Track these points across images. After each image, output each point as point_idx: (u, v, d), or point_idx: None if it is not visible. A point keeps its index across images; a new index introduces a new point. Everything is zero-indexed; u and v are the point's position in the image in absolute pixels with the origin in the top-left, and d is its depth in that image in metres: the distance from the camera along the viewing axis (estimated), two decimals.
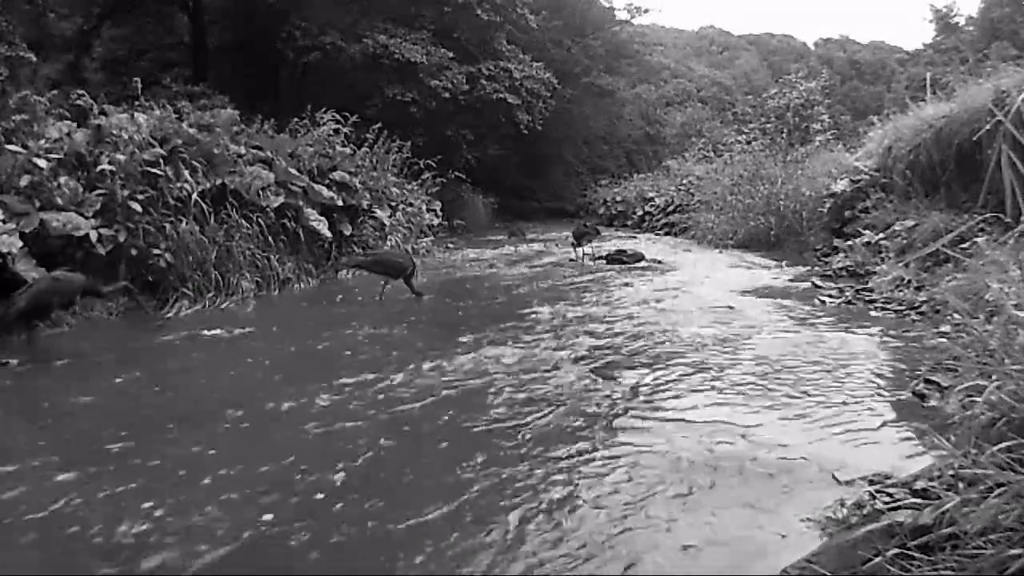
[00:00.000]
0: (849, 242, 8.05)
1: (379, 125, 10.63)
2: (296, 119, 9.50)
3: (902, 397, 3.34)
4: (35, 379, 4.08)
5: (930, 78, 9.65)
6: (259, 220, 7.13)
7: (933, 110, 7.59)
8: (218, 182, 7.02)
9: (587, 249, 10.15)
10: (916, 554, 1.82)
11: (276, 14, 18.05)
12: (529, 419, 3.20)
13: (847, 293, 6.18)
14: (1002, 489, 1.80)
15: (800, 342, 4.50)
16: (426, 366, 4.11)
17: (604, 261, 9.81)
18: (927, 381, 3.37)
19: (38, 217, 5.21)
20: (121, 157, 6.04)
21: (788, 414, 3.20)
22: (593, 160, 31.90)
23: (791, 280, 7.46)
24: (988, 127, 5.88)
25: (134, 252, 5.85)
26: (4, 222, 4.95)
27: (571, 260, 10.08)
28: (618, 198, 21.43)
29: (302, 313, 6.38)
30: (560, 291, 7.18)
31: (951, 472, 2.15)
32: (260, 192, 7.29)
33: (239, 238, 6.83)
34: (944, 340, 3.94)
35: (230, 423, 3.23)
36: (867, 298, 5.92)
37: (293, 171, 7.89)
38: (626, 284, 7.54)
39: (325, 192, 8.15)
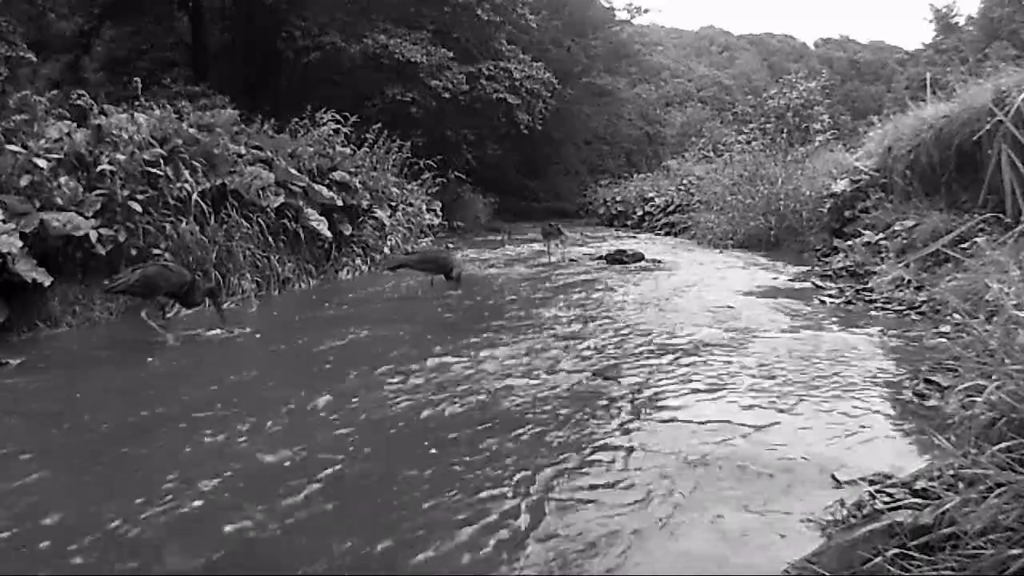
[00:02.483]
0: (849, 242, 8.05)
1: (379, 125, 10.63)
2: (296, 119, 9.50)
3: (902, 397, 3.34)
4: (35, 379, 4.08)
5: (930, 78, 9.65)
6: (259, 220, 7.13)
7: (933, 110, 7.59)
8: (218, 182, 7.02)
9: (566, 249, 10.39)
10: (916, 554, 1.82)
11: (276, 14, 18.06)
12: (529, 419, 3.20)
13: (847, 293, 6.17)
14: (1002, 489, 1.79)
15: (800, 342, 4.50)
16: (426, 366, 4.11)
17: (604, 261, 9.82)
18: (927, 381, 3.37)
19: (38, 217, 5.21)
20: (121, 157, 6.03)
21: (788, 414, 3.20)
22: (593, 160, 31.96)
23: (791, 280, 7.45)
24: (988, 127, 5.87)
25: (134, 252, 5.85)
26: (4, 222, 4.95)
27: (570, 260, 10.09)
28: (618, 198, 21.44)
29: (303, 313, 6.38)
30: (559, 291, 7.18)
31: (951, 472, 2.15)
32: (260, 192, 7.29)
33: (239, 238, 6.83)
34: (944, 340, 3.95)
35: (230, 423, 3.23)
36: (867, 298, 5.92)
37: (293, 171, 7.89)
38: (626, 284, 7.54)
39: (325, 192, 8.15)
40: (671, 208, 16.42)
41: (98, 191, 5.73)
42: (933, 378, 3.36)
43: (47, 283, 4.99)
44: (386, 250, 9.29)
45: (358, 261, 8.76)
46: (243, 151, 7.68)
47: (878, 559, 1.85)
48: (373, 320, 5.65)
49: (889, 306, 5.53)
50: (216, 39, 20.18)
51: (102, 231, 5.57)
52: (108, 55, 19.71)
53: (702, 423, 3.10)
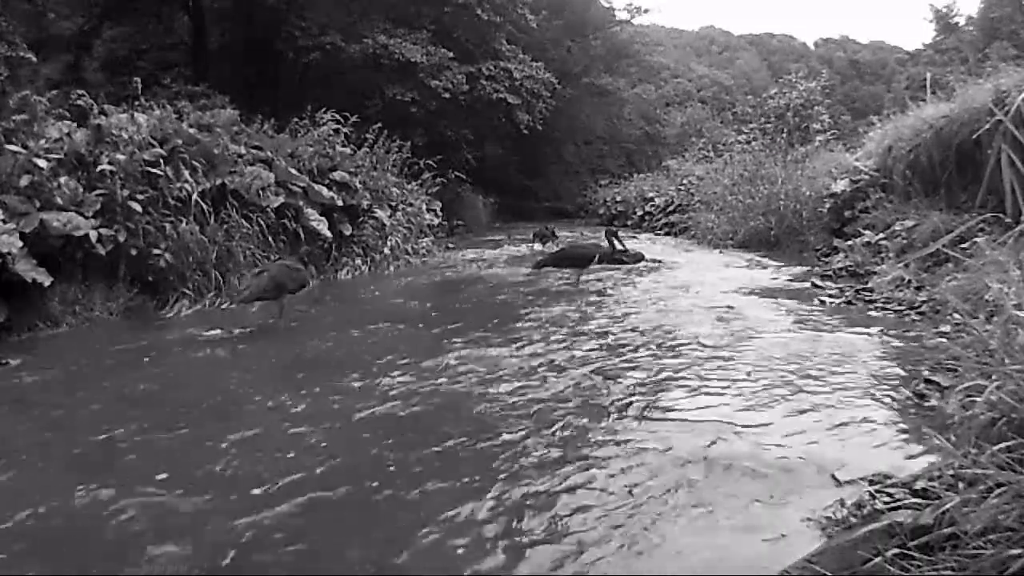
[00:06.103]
0: (849, 242, 8.04)
1: (379, 125, 10.63)
2: (296, 119, 9.51)
3: (902, 397, 3.34)
4: (35, 379, 4.07)
5: (930, 78, 9.64)
6: (259, 220, 7.13)
7: (933, 110, 7.58)
8: (218, 182, 7.02)
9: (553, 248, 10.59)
10: (916, 554, 1.82)
11: (276, 14, 18.07)
12: (529, 419, 3.20)
13: (847, 293, 6.17)
14: (1002, 489, 1.79)
15: (800, 342, 4.50)
16: (427, 366, 4.11)
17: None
18: (927, 381, 3.36)
19: (38, 217, 5.21)
20: (121, 157, 6.04)
21: (788, 414, 3.19)
22: (593, 160, 31.98)
23: (791, 280, 7.45)
24: (988, 127, 5.87)
25: (134, 252, 5.85)
26: (4, 222, 4.95)
27: None
28: (618, 198, 21.43)
29: (303, 313, 6.38)
30: (559, 291, 7.18)
31: (951, 472, 2.15)
32: (260, 192, 7.29)
33: (239, 238, 6.84)
34: (944, 340, 3.94)
35: (230, 423, 3.23)
36: (867, 298, 5.92)
37: (293, 171, 7.90)
38: (626, 284, 7.54)
39: (325, 192, 8.15)
40: (671, 208, 16.41)
41: (98, 191, 5.73)
42: (933, 378, 3.35)
43: (47, 283, 4.99)
44: (386, 250, 9.29)
45: (358, 261, 8.77)
46: (243, 151, 7.69)
47: (878, 559, 1.85)
48: (374, 320, 5.64)
49: (889, 306, 5.53)
50: (216, 39, 20.18)
51: (102, 231, 5.57)
52: (108, 55, 19.70)
53: (702, 423, 3.10)
